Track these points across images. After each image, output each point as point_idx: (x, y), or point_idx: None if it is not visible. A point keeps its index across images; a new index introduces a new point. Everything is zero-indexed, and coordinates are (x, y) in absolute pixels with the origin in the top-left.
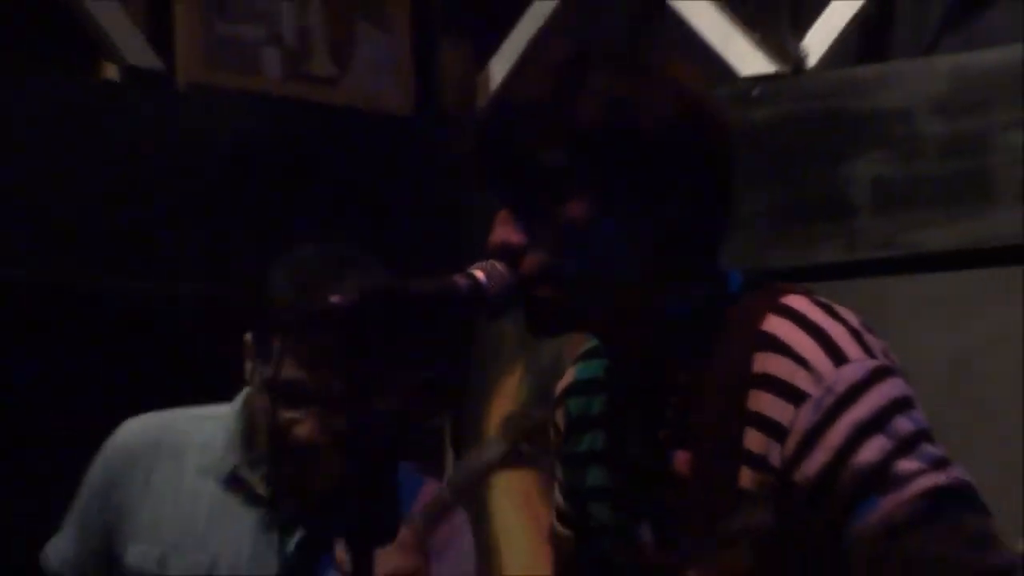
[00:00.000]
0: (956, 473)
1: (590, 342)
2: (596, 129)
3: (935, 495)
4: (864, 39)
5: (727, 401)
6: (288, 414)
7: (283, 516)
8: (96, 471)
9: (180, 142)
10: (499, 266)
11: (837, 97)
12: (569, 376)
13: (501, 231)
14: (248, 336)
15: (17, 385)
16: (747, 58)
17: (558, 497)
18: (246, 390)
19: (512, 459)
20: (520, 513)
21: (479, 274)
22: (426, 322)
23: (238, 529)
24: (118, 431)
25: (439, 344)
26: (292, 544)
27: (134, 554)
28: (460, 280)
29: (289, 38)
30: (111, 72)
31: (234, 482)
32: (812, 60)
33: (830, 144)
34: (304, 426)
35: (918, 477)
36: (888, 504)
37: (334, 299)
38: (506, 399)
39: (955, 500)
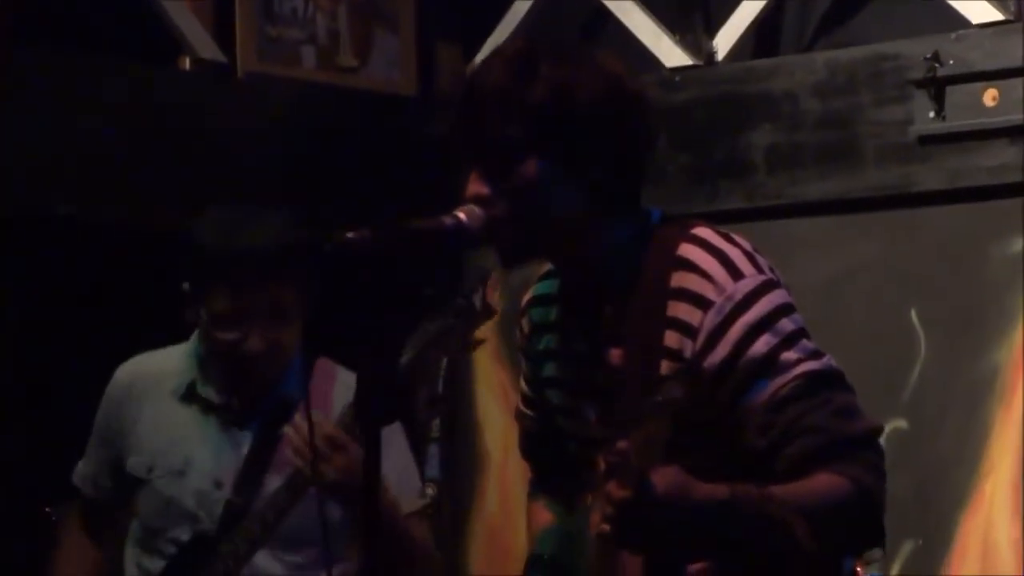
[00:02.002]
0: (828, 361)
1: (549, 265)
2: (544, 107)
3: (811, 377)
4: (760, 39)
5: (651, 309)
6: (229, 335)
7: (236, 416)
8: (101, 409)
9: (238, 119)
10: (477, 208)
11: (739, 83)
12: (531, 292)
13: (474, 186)
14: (184, 284)
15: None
16: (671, 53)
17: (522, 385)
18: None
19: (443, 334)
20: (498, 400)
21: (461, 214)
22: (421, 251)
23: (203, 434)
24: (114, 375)
25: (433, 269)
26: (247, 437)
27: (131, 464)
28: (446, 219)
29: (322, 38)
30: (185, 63)
31: (194, 397)
32: (720, 55)
33: (733, 119)
34: (251, 340)
35: (798, 364)
36: (775, 385)
37: (349, 235)
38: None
39: (827, 381)
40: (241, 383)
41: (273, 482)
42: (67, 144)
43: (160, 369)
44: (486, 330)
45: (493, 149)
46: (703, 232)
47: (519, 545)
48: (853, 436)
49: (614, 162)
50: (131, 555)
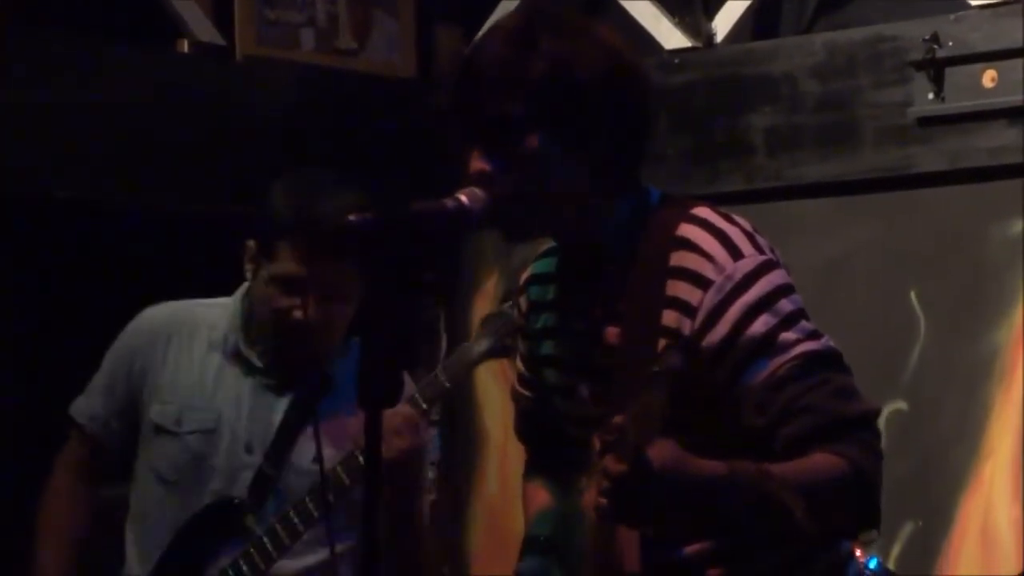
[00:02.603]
0: (826, 342)
1: (547, 243)
2: (544, 82)
3: (810, 357)
4: (758, 21)
5: (650, 288)
6: (287, 301)
7: (275, 383)
8: (122, 345)
9: (237, 102)
10: (478, 191)
11: (738, 65)
12: (529, 270)
13: (476, 163)
14: (250, 242)
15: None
16: (670, 35)
17: (519, 365)
18: (245, 284)
19: (496, 353)
20: (497, 382)
21: (463, 197)
22: (423, 234)
23: (238, 393)
24: (140, 314)
25: (434, 251)
26: (283, 404)
27: (155, 412)
28: (448, 202)
29: (321, 20)
30: (184, 46)
31: (235, 355)
32: (719, 37)
33: (733, 101)
34: (301, 310)
35: (797, 344)
36: (773, 365)
37: (352, 217)
38: (486, 296)
39: (826, 362)
40: (287, 351)
41: (302, 456)
42: (65, 127)
43: (196, 317)
44: (485, 312)
45: (494, 125)
46: (703, 212)
47: (519, 526)
48: (851, 417)
49: (615, 136)
50: (138, 504)
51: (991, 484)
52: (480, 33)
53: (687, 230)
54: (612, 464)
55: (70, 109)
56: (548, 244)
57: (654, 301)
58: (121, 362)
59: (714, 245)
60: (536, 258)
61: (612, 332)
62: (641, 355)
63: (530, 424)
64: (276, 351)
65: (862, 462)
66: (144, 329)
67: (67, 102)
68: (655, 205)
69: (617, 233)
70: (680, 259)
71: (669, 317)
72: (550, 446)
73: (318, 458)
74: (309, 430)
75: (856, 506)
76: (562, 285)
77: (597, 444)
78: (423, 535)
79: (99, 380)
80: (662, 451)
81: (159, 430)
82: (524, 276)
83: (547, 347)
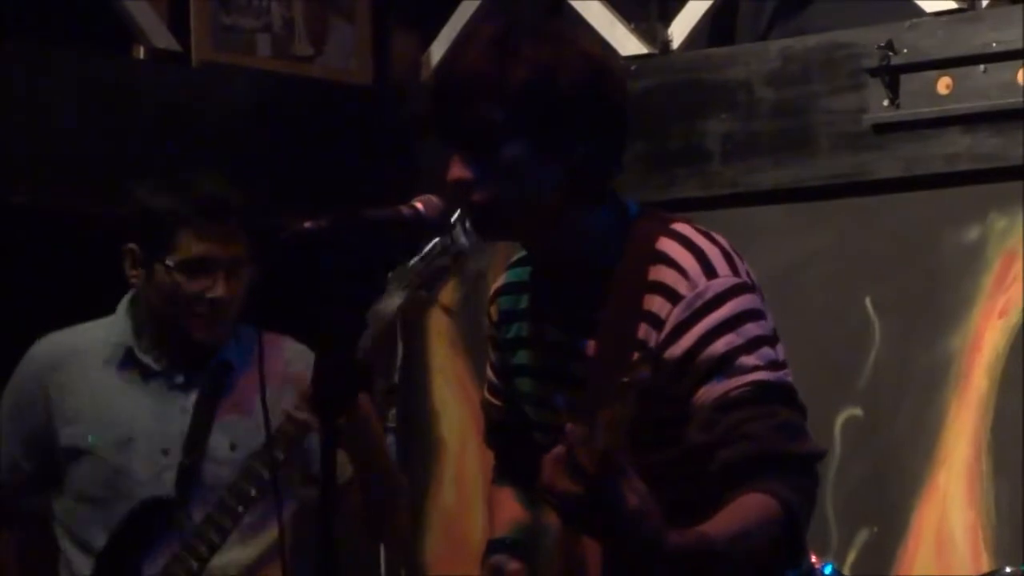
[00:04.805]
0: (783, 375)
1: (518, 253)
2: (524, 89)
3: (763, 387)
4: (715, 28)
5: (627, 301)
6: (197, 284)
7: (177, 382)
8: (19, 382)
9: (193, 107)
10: (434, 198)
11: (695, 72)
12: (502, 279)
13: (455, 170)
14: (131, 246)
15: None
16: (626, 42)
17: (490, 374)
18: (129, 294)
19: (408, 304)
20: (454, 390)
21: (418, 204)
22: (379, 241)
23: (144, 400)
24: (31, 349)
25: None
26: (188, 401)
27: (65, 435)
28: (404, 209)
29: (277, 27)
30: (140, 53)
31: (132, 364)
32: (676, 43)
33: (689, 107)
34: (218, 287)
35: (753, 371)
36: (726, 386)
37: (306, 224)
38: (443, 301)
39: (778, 394)
40: (188, 343)
41: (218, 445)
42: (20, 133)
43: (84, 341)
44: (442, 320)
45: (475, 133)
46: (683, 228)
47: (475, 534)
48: (791, 454)
49: (594, 144)
50: (63, 532)
51: (946, 490)
52: (435, 45)
53: (666, 244)
54: (582, 460)
55: (25, 116)
56: (520, 253)
57: (630, 314)
58: (16, 401)
59: (690, 261)
60: (507, 267)
61: (588, 344)
62: (616, 367)
63: (500, 433)
64: (174, 350)
65: (794, 505)
66: (34, 364)
67: (22, 109)
68: (634, 217)
69: (594, 243)
70: (657, 273)
71: (643, 331)
72: (519, 455)
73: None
74: (219, 420)
75: (785, 550)
76: (535, 295)
77: (562, 443)
78: (393, 471)
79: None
80: (632, 497)
81: (74, 453)
82: (495, 286)
83: (521, 356)
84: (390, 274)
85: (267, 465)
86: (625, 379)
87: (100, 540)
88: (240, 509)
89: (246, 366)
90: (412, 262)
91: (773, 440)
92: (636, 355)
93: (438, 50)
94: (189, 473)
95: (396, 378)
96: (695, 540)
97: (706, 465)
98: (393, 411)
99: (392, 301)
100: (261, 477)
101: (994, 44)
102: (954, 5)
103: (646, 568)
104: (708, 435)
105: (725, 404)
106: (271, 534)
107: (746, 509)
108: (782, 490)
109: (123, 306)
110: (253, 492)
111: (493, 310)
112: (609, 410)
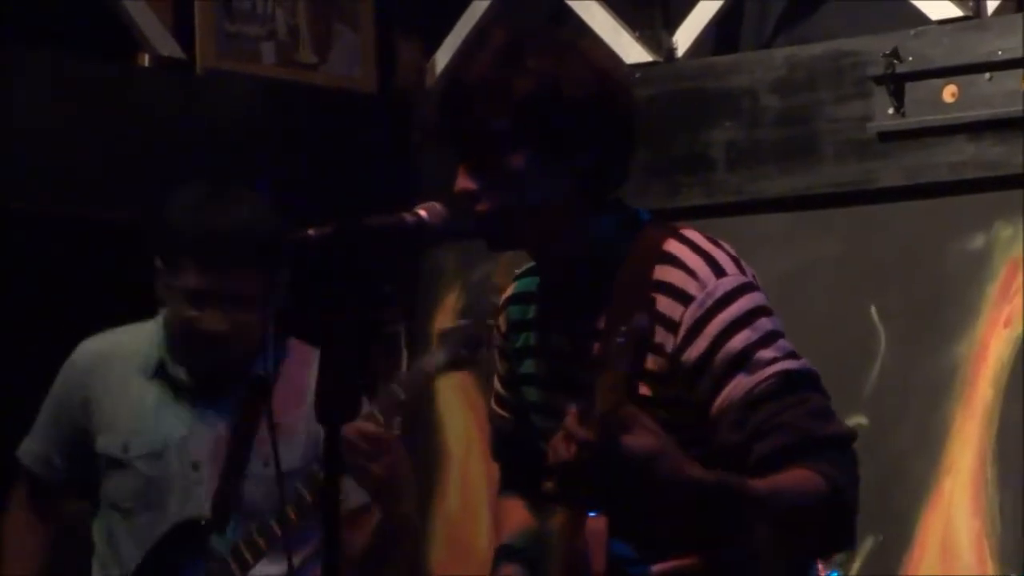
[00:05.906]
0: (804, 362)
1: (525, 264)
2: (530, 99)
3: (788, 376)
4: (719, 35)
5: (633, 303)
6: (194, 312)
7: (208, 396)
8: (61, 383)
9: (197, 115)
10: (438, 205)
11: (699, 79)
12: (510, 289)
13: (461, 180)
14: (157, 261)
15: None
16: (630, 49)
17: (497, 385)
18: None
19: (453, 365)
20: (458, 398)
21: (422, 212)
22: (382, 249)
23: (178, 413)
24: (76, 351)
25: (394, 266)
26: (221, 417)
27: (101, 443)
28: (408, 217)
29: (282, 34)
30: (145, 60)
31: (163, 376)
32: (680, 51)
33: (694, 115)
34: (207, 320)
35: (774, 363)
36: (750, 382)
37: (310, 231)
38: (447, 310)
39: (803, 382)
40: (201, 362)
41: (255, 466)
42: (22, 140)
43: (127, 346)
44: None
45: (481, 143)
46: (690, 233)
47: (480, 543)
48: (827, 437)
49: (600, 153)
50: (101, 535)
51: (951, 498)
52: (440, 53)
53: (672, 246)
54: (577, 430)
55: (28, 123)
56: (528, 263)
57: (635, 311)
58: (58, 401)
59: (698, 262)
60: (515, 277)
61: (596, 348)
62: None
63: (506, 444)
64: (199, 365)
65: (839, 480)
66: (78, 366)
67: (25, 115)
68: (643, 224)
69: (602, 251)
70: (663, 273)
71: (659, 334)
72: (526, 466)
73: (275, 461)
74: (258, 435)
75: (832, 524)
76: (543, 302)
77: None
78: (414, 546)
79: (41, 419)
80: (642, 438)
81: (109, 462)
82: (503, 296)
83: (528, 366)
84: (440, 332)
85: (308, 486)
86: (620, 339)
87: (127, 548)
88: (264, 545)
89: (279, 379)
90: (462, 321)
91: (809, 426)
92: (647, 356)
93: (442, 58)
94: (226, 496)
95: (401, 393)
96: (725, 476)
97: (741, 463)
98: (398, 420)
99: (435, 358)
100: (303, 499)
101: (1000, 52)
102: (959, 13)
103: (660, 531)
104: (740, 434)
105: (752, 400)
106: (305, 552)
107: (790, 476)
108: (823, 467)
109: (160, 315)
110: (293, 515)
111: (502, 320)
112: (610, 372)
